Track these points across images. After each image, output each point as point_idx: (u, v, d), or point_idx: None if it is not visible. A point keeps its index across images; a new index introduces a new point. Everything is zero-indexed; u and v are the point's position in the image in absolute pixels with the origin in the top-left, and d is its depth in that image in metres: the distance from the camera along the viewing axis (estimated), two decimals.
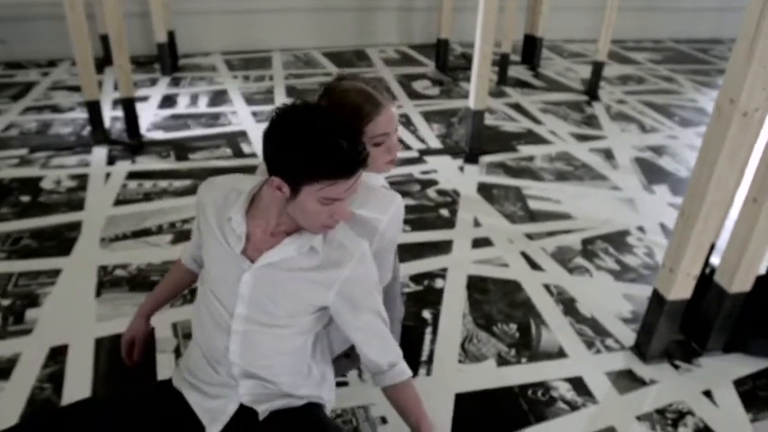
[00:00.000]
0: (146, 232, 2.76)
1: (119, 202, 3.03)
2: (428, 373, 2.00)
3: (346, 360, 1.70)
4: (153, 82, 4.93)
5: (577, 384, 1.98)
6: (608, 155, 3.89)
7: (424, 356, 2.07)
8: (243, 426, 1.31)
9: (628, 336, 2.21)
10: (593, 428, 1.81)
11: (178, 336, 2.10)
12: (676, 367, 2.07)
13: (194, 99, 4.58)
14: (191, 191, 3.15)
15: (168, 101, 4.51)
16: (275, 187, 1.12)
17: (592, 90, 5.03)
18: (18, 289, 2.34)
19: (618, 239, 2.88)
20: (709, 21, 7.38)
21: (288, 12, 5.92)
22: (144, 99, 4.48)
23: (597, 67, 4.93)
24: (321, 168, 1.07)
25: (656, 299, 2.01)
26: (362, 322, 1.28)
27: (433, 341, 2.15)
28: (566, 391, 1.95)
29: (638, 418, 1.85)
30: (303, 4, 5.94)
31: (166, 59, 5.09)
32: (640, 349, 2.11)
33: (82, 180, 3.24)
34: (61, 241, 2.67)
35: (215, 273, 1.26)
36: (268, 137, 1.11)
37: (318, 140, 1.06)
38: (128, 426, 1.28)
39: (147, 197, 3.09)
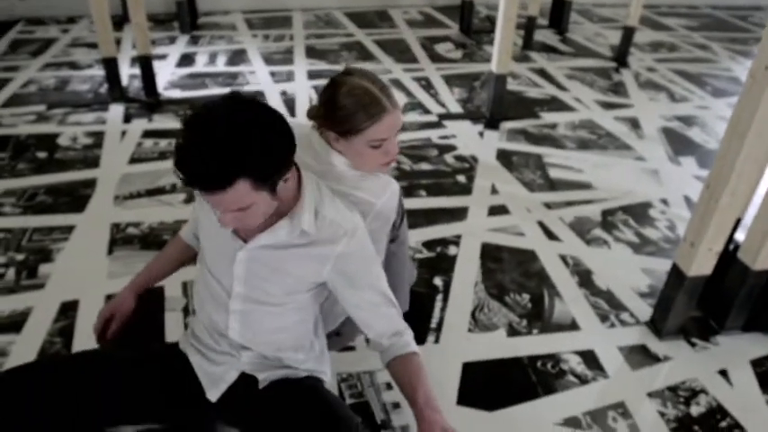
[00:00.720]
0: (159, 191, 2.75)
1: (134, 160, 3.02)
2: (436, 341, 1.98)
3: (336, 338, 1.70)
4: (171, 40, 4.87)
5: (588, 358, 1.94)
6: (634, 124, 3.76)
7: (434, 324, 2.04)
8: (242, 393, 1.31)
9: (644, 310, 2.15)
10: (603, 403, 1.77)
11: (188, 295, 2.10)
12: (692, 345, 2.01)
13: (213, 58, 4.52)
14: None
15: (186, 59, 4.46)
16: None
17: (621, 57, 4.84)
18: (32, 244, 2.35)
19: (639, 211, 2.80)
20: None
21: None
22: (162, 57, 4.43)
23: (627, 33, 4.74)
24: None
25: (675, 274, 1.95)
26: (361, 299, 1.25)
27: (443, 309, 2.12)
28: (576, 364, 1.91)
29: (650, 395, 1.81)
30: None
31: (185, 17, 5.01)
32: (656, 325, 2.05)
33: (98, 137, 3.23)
34: (75, 198, 2.68)
35: (210, 252, 1.26)
36: None
37: (181, 139, 1.02)
38: (132, 380, 1.29)
39: (162, 156, 3.07)
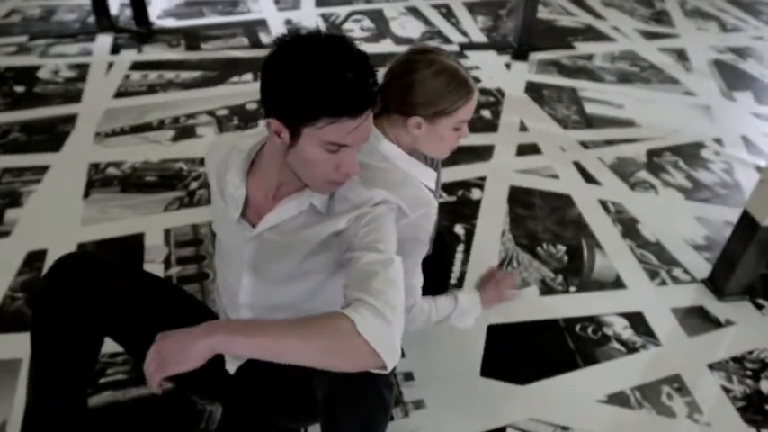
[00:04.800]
0: (146, 127, 2.46)
1: (120, 94, 2.71)
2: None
3: None
4: None
5: (636, 321, 1.65)
6: (681, 55, 3.34)
7: (453, 279, 1.76)
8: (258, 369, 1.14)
9: (700, 266, 1.85)
10: (655, 376, 1.49)
11: (170, 244, 1.83)
12: (759, 307, 1.71)
13: None
14: (199, 83, 2.80)
15: None
16: (273, 132, 0.93)
17: None
18: (0, 187, 2.09)
19: (690, 152, 2.44)
20: None
21: None
22: None
23: None
24: (321, 102, 0.88)
25: (746, 222, 1.62)
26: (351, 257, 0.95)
27: (464, 261, 1.83)
28: (622, 328, 1.63)
29: (711, 367, 1.52)
30: None
31: None
32: (716, 283, 1.75)
33: (82, 70, 2.92)
34: (53, 135, 2.39)
35: (221, 240, 1.15)
36: (266, 70, 0.92)
37: (319, 70, 0.87)
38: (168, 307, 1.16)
39: (152, 89, 2.75)
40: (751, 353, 1.57)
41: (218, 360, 1.18)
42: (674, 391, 1.46)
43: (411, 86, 1.16)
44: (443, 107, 1.17)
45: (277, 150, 0.96)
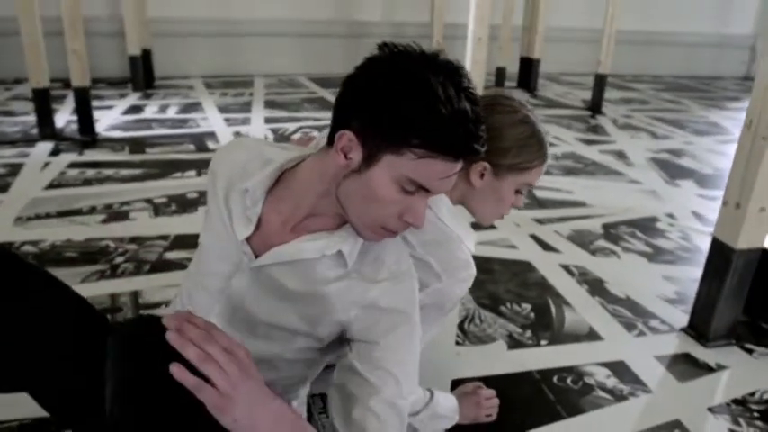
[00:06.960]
0: (75, 212, 2.27)
1: (52, 186, 2.55)
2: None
3: None
4: (122, 96, 4.55)
5: (620, 370, 1.45)
6: (620, 155, 3.47)
7: None
8: None
9: (676, 317, 1.70)
10: (652, 423, 1.27)
11: None
12: (749, 351, 1.55)
13: (164, 108, 4.19)
14: (139, 178, 2.68)
15: (135, 109, 4.11)
16: (339, 150, 0.76)
17: (595, 106, 4.68)
18: None
19: (645, 224, 2.40)
20: (707, 59, 7.19)
21: (273, 38, 5.67)
22: (108, 108, 4.08)
23: (600, 81, 4.60)
24: (426, 127, 0.71)
25: (717, 252, 1.52)
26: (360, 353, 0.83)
27: None
28: (605, 377, 1.42)
29: (712, 410, 1.32)
30: (290, 30, 5.70)
31: (139, 75, 4.73)
32: (698, 329, 1.59)
33: (14, 168, 2.77)
34: None
35: (205, 256, 0.93)
36: (360, 70, 0.76)
37: (434, 87, 0.71)
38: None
39: (87, 182, 2.61)
40: (752, 394, 1.38)
41: None
42: None
43: (487, 129, 1.03)
44: (519, 161, 1.01)
45: (326, 174, 0.79)
